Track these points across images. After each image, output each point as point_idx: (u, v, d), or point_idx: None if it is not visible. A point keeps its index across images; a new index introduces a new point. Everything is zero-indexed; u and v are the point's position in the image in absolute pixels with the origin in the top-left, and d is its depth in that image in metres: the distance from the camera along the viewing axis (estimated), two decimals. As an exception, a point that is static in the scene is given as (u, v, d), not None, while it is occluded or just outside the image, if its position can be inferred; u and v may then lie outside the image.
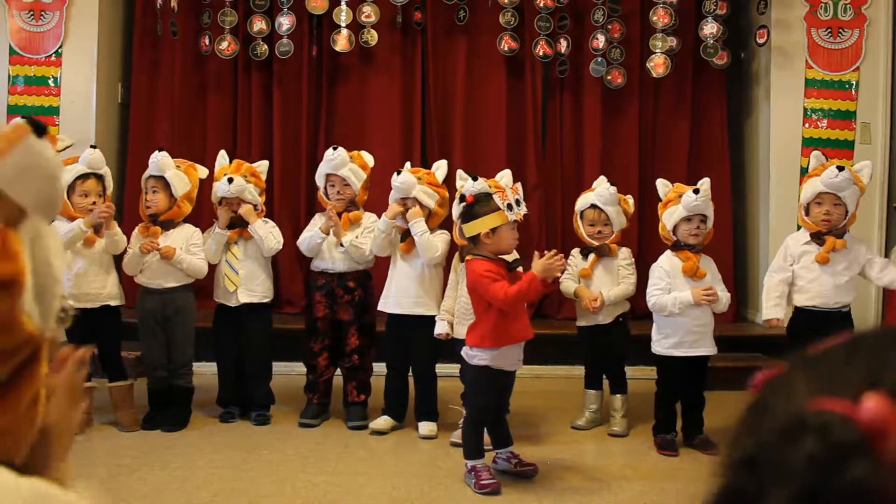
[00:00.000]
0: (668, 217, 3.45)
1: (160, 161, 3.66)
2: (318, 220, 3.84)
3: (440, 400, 3.71)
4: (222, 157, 3.92)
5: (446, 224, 3.71)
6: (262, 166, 3.96)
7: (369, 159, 3.87)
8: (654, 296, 3.44)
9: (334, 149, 3.77)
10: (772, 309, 3.40)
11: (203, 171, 3.83)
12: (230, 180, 3.70)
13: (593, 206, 3.68)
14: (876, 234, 5.00)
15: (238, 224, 3.77)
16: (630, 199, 3.81)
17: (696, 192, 3.42)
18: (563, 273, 3.02)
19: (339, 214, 3.75)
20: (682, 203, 3.41)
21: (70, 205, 3.57)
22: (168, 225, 3.69)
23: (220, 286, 3.79)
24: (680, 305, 3.38)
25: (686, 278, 3.44)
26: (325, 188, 3.83)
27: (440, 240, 3.61)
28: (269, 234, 3.78)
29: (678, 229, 3.46)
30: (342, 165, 3.73)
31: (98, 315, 3.57)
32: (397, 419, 3.71)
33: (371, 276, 3.90)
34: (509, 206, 3.00)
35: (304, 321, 3.97)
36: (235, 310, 3.78)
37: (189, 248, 3.70)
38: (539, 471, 3.10)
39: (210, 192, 3.85)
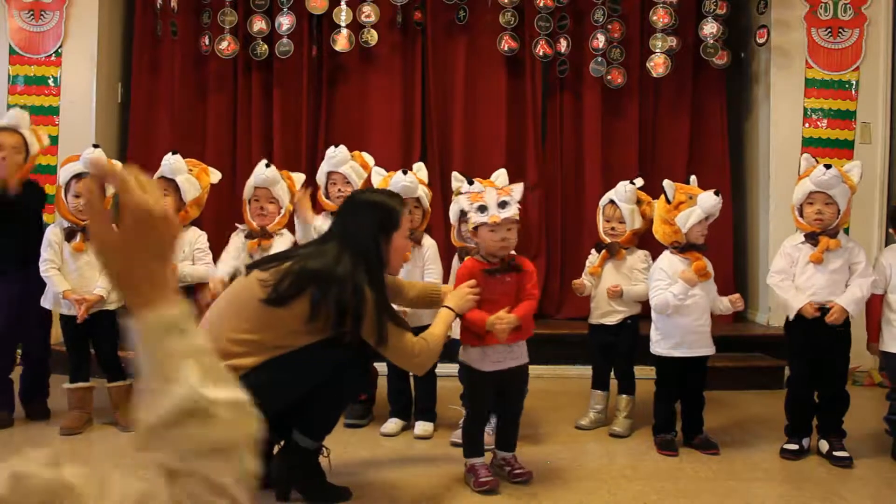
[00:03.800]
0: (684, 219, 3.41)
1: (173, 164, 3.61)
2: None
3: (440, 399, 3.70)
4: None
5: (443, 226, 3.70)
6: (298, 178, 3.86)
7: (370, 159, 3.89)
8: (657, 295, 3.43)
9: (335, 146, 3.80)
10: (799, 300, 3.37)
11: (216, 175, 3.78)
12: (268, 164, 3.70)
13: (612, 202, 3.71)
14: (876, 234, 5.00)
15: (258, 235, 3.71)
16: (654, 203, 3.68)
17: (718, 193, 3.43)
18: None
19: None
20: (702, 205, 3.40)
21: (65, 205, 3.57)
22: (172, 229, 3.66)
23: None
24: (679, 296, 3.38)
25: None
26: (326, 187, 3.84)
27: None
28: None
29: (691, 230, 3.45)
30: (343, 162, 3.76)
31: (96, 315, 3.57)
32: (405, 419, 3.72)
33: None
34: (481, 209, 2.91)
35: None
36: None
37: (193, 252, 3.68)
38: (533, 476, 3.05)
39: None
